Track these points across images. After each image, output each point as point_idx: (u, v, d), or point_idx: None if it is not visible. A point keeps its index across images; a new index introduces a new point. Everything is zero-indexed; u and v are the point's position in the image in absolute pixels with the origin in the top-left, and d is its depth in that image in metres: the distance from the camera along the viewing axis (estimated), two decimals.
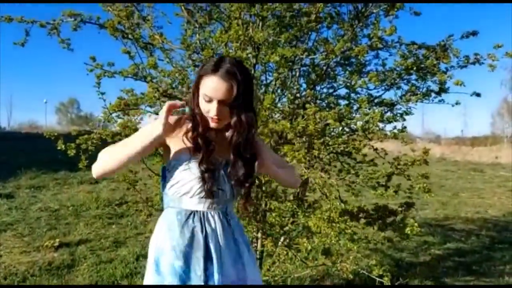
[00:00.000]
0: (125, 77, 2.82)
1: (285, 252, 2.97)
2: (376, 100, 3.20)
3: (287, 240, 3.03)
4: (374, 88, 3.20)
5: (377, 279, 2.83)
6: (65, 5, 2.92)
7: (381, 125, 2.89)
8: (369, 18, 2.99)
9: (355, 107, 3.13)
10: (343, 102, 3.32)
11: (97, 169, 1.53)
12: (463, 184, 10.93)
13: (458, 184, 10.98)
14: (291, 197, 3.13)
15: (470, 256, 4.80)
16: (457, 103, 3.03)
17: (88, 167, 2.77)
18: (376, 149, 3.02)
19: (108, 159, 1.51)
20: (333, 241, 2.77)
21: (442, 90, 3.00)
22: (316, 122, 2.53)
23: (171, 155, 1.56)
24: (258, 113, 2.29)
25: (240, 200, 1.64)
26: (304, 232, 3.07)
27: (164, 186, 1.59)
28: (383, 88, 3.18)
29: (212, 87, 1.45)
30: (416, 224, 2.67)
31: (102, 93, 2.87)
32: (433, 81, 3.00)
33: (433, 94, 3.04)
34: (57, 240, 4.57)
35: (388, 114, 3.10)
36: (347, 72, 3.34)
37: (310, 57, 3.05)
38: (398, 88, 3.14)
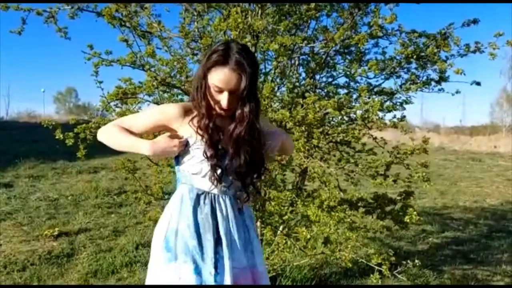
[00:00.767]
0: (123, 65, 2.79)
1: (284, 241, 2.98)
2: (375, 89, 3.19)
3: (286, 229, 3.04)
4: (374, 77, 3.19)
5: (376, 267, 2.85)
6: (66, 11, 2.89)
7: (380, 114, 2.88)
8: (369, 6, 2.96)
9: (354, 96, 3.12)
10: (342, 91, 3.31)
11: (101, 139, 1.61)
12: (461, 173, 10.96)
13: (456, 173, 11.01)
14: (290, 186, 3.13)
15: (468, 244, 4.82)
16: (457, 92, 3.02)
17: (87, 157, 2.77)
18: (375, 138, 3.02)
19: (108, 142, 1.60)
20: (332, 230, 2.78)
21: (442, 79, 2.99)
22: (316, 111, 2.52)
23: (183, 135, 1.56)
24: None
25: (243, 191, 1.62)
26: (303, 221, 3.08)
27: (177, 162, 1.60)
28: (382, 77, 3.17)
29: (223, 80, 1.45)
30: (415, 212, 2.67)
31: (100, 82, 2.85)
32: (433, 69, 2.99)
33: (433, 83, 3.02)
34: (57, 229, 4.58)
35: (388, 103, 3.09)
36: (347, 60, 3.33)
37: (310, 45, 3.02)
38: (398, 77, 3.13)
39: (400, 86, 3.06)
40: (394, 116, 3.03)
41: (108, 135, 1.58)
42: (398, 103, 3.10)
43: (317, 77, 3.33)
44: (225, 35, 2.62)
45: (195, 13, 3.03)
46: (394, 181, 2.85)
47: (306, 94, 2.85)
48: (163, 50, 2.98)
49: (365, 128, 2.92)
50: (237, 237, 1.56)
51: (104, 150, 1.83)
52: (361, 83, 3.21)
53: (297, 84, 3.15)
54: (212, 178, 1.51)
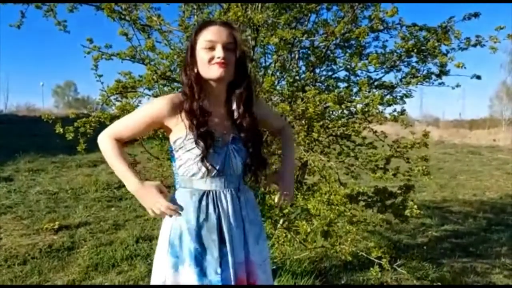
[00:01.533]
0: (123, 59, 2.78)
1: (284, 234, 2.99)
2: (376, 83, 3.18)
3: (286, 223, 3.05)
4: (374, 71, 3.17)
5: (376, 260, 2.86)
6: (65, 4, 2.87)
7: (380, 108, 2.88)
8: None
9: (354, 90, 3.11)
10: (342, 85, 3.30)
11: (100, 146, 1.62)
12: (461, 167, 10.97)
13: (456, 166, 11.02)
14: None
15: (467, 238, 4.84)
16: (457, 86, 3.01)
17: (87, 150, 2.77)
18: (375, 132, 3.02)
19: (105, 159, 1.63)
20: (332, 224, 2.79)
21: (443, 72, 2.98)
22: (316, 105, 2.52)
23: (174, 135, 1.55)
24: (257, 96, 2.27)
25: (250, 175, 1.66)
26: (303, 215, 3.09)
27: (173, 158, 1.60)
28: (383, 70, 3.15)
29: (214, 32, 1.47)
30: (415, 206, 2.68)
31: (100, 76, 2.84)
32: (434, 63, 2.97)
33: (433, 77, 3.01)
34: (57, 223, 4.59)
35: (388, 96, 3.08)
36: (347, 54, 3.31)
37: (310, 39, 3.01)
38: (398, 70, 3.11)
39: (401, 80, 3.06)
40: (394, 110, 3.03)
41: (104, 153, 1.59)
42: (398, 97, 3.10)
43: (317, 70, 3.32)
44: None
45: (195, 7, 3.02)
46: (394, 174, 2.85)
47: (306, 88, 2.85)
48: (163, 44, 2.96)
49: (365, 121, 2.92)
50: (237, 233, 1.56)
51: None
52: (362, 77, 3.20)
53: (297, 77, 3.14)
54: (214, 172, 1.51)
